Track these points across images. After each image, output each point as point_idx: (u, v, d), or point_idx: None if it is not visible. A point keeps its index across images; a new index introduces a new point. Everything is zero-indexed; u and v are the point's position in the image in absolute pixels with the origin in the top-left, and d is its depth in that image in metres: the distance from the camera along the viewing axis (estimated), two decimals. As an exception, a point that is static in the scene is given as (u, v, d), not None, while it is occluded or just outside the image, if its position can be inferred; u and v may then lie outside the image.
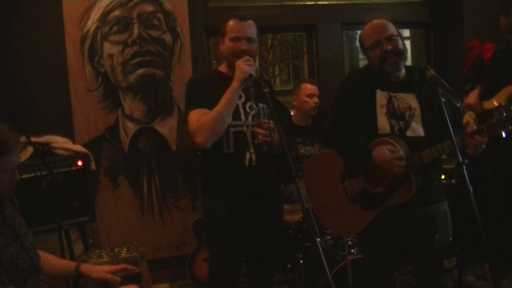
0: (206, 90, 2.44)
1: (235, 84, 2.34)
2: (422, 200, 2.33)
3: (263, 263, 2.65)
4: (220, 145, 2.41)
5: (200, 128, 2.33)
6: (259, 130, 2.35)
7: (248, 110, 2.47)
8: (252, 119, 2.46)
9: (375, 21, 2.40)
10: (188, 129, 2.43)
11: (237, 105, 2.43)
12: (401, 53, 2.34)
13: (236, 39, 2.44)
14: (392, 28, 2.35)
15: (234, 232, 2.49)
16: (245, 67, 2.33)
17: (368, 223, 2.40)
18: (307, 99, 3.64)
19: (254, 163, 2.44)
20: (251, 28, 2.47)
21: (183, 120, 2.52)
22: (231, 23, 2.48)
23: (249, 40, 2.45)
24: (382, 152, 2.23)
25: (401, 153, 2.22)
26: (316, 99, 3.66)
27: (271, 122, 2.35)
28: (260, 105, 2.50)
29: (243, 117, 2.45)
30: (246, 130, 2.44)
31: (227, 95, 2.34)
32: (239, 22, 2.46)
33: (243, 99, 2.46)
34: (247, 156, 2.44)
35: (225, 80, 2.43)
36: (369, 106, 2.35)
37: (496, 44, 3.88)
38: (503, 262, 3.58)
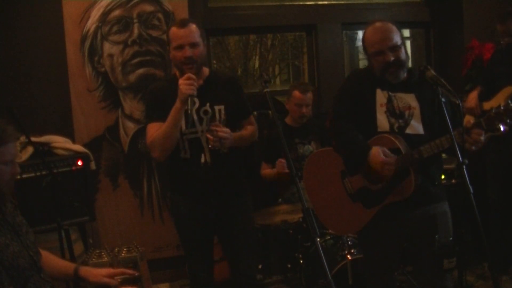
0: (162, 100, 2.50)
1: (178, 104, 2.40)
2: (423, 200, 2.33)
3: (239, 258, 2.68)
4: (177, 151, 2.53)
5: (153, 144, 2.47)
6: (210, 136, 2.44)
7: (202, 115, 2.52)
8: (208, 123, 2.51)
9: (379, 25, 2.34)
10: (146, 142, 2.57)
11: (191, 113, 2.45)
12: (403, 64, 2.32)
13: (180, 47, 2.45)
14: (396, 36, 2.30)
15: (199, 227, 2.59)
16: (185, 88, 2.34)
17: (368, 221, 2.40)
18: (295, 107, 3.62)
19: (209, 164, 2.53)
20: (193, 33, 2.46)
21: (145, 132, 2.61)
22: (172, 31, 2.49)
23: (193, 45, 2.45)
24: (376, 153, 2.25)
25: (393, 159, 2.24)
26: (303, 109, 3.58)
27: (222, 129, 2.43)
28: (216, 107, 2.54)
29: (197, 123, 2.51)
30: (201, 135, 2.52)
31: (172, 114, 2.41)
32: (180, 29, 2.46)
33: (197, 105, 2.50)
34: (202, 159, 2.53)
35: None
36: (368, 105, 2.36)
37: (496, 44, 3.89)
38: (503, 260, 3.58)
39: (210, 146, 2.45)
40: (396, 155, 2.27)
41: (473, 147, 2.15)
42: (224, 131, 2.43)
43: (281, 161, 3.39)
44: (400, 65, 2.32)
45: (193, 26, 2.48)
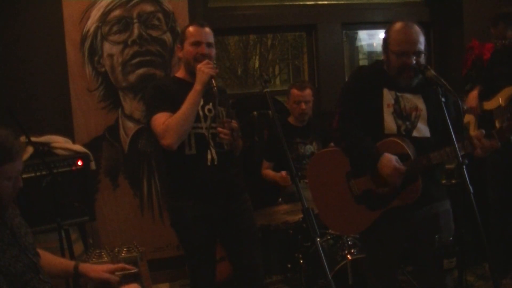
0: (167, 95, 2.50)
1: (197, 86, 2.42)
2: (425, 200, 2.32)
3: (245, 261, 2.67)
4: (182, 147, 2.48)
5: (168, 130, 2.39)
6: (221, 129, 2.44)
7: (206, 113, 2.54)
8: (211, 122, 2.53)
9: (410, 27, 2.28)
10: (153, 132, 2.48)
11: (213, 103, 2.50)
12: (419, 70, 2.29)
13: (197, 44, 2.52)
14: (423, 43, 2.28)
15: (205, 231, 2.55)
16: (206, 69, 2.41)
17: (371, 223, 2.40)
18: (294, 105, 3.65)
19: (216, 163, 2.51)
20: (210, 34, 2.58)
21: (146, 125, 2.57)
22: (191, 28, 2.57)
23: (208, 45, 2.54)
24: (388, 160, 2.23)
25: (404, 169, 2.22)
26: (302, 106, 3.60)
27: (233, 121, 2.45)
28: (219, 108, 2.55)
29: (202, 119, 2.52)
30: (205, 132, 2.50)
31: (191, 96, 2.42)
32: (199, 28, 2.56)
33: (201, 103, 2.52)
34: (209, 156, 2.51)
35: (184, 86, 2.50)
36: (375, 105, 2.33)
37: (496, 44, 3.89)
38: (503, 262, 3.58)
39: (218, 140, 2.46)
40: (405, 161, 2.25)
41: (479, 151, 2.15)
42: (235, 122, 2.48)
43: (286, 177, 3.43)
44: (417, 71, 2.28)
45: (209, 29, 2.59)
